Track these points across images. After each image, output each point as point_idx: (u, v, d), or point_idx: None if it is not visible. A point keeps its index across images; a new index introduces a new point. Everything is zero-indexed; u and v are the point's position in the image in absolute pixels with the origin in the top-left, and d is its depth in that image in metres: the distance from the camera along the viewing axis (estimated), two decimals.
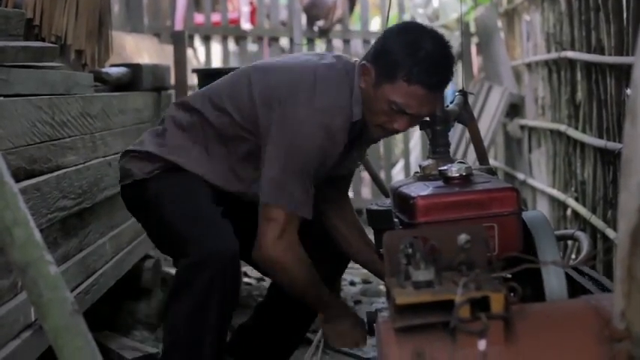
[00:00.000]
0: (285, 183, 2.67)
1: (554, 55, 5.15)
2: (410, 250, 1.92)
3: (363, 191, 8.09)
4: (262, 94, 2.77)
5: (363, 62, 2.72)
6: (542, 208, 5.66)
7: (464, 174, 2.38)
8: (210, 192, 2.83)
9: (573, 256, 4.45)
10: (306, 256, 2.75)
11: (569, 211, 4.86)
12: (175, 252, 2.81)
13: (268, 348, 3.16)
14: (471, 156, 6.20)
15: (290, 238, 2.70)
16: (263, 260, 2.73)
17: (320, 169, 2.74)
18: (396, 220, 2.52)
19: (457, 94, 2.95)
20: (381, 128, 2.75)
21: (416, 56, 2.62)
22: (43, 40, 3.47)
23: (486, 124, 6.59)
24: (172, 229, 2.74)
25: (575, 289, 2.52)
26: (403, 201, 2.40)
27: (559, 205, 5.15)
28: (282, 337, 3.16)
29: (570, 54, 4.69)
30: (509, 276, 1.97)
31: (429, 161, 2.60)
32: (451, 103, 2.90)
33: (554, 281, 2.25)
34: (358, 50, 9.45)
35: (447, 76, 2.69)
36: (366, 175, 7.38)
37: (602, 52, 4.08)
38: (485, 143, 6.36)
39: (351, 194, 7.90)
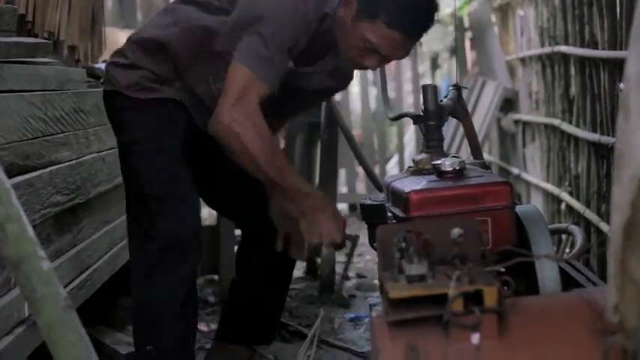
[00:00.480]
0: (257, 44, 2.61)
1: (547, 49, 5.15)
2: (403, 244, 1.91)
3: (357, 187, 8.09)
4: None
5: None
6: (537, 202, 5.66)
7: (457, 168, 2.37)
8: (184, 131, 2.87)
9: (567, 250, 4.46)
10: (265, 127, 2.62)
11: (563, 205, 4.87)
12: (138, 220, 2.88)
13: (254, 319, 3.19)
14: (465, 150, 6.21)
15: (250, 104, 2.59)
16: (218, 127, 2.63)
17: (292, 46, 2.68)
18: (389, 214, 2.51)
19: (451, 88, 2.95)
20: (352, 62, 2.81)
21: (401, 2, 2.61)
22: (36, 36, 3.47)
23: (480, 119, 6.60)
24: (141, 202, 2.82)
25: (568, 283, 2.52)
26: (396, 195, 2.40)
27: (553, 200, 5.15)
28: (263, 303, 3.18)
29: (564, 48, 4.69)
30: (503, 270, 1.97)
31: (423, 155, 2.59)
32: (445, 97, 2.90)
33: (547, 275, 2.26)
34: None
35: (427, 25, 2.72)
36: (360, 170, 7.37)
37: (595, 46, 4.08)
38: (480, 138, 6.36)
39: (345, 190, 7.93)
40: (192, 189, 2.85)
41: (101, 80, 3.04)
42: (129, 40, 2.97)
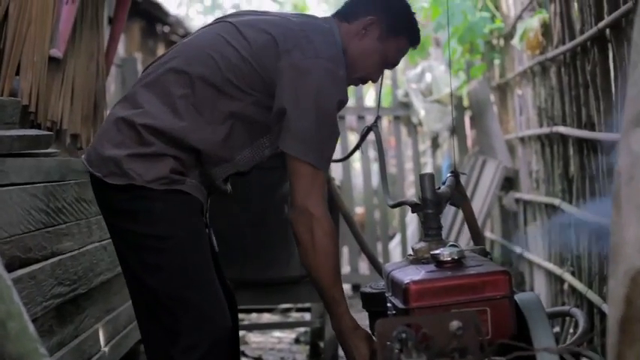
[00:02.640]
0: (310, 135, 2.68)
1: (546, 129, 5.19)
2: (403, 337, 1.92)
3: (360, 266, 8.08)
4: (256, 49, 2.76)
5: (371, 17, 2.88)
6: (539, 281, 5.66)
7: (456, 257, 2.39)
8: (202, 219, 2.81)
9: (571, 330, 4.44)
10: (332, 224, 2.74)
11: (566, 285, 4.86)
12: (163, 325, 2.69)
13: None
14: (465, 236, 6.23)
15: (320, 195, 2.72)
16: (299, 213, 2.69)
17: (337, 135, 2.81)
18: (389, 304, 2.52)
19: (449, 175, 2.97)
20: (359, 80, 2.99)
21: (413, 20, 2.98)
22: (39, 125, 3.51)
23: (482, 198, 6.62)
24: (164, 302, 2.67)
25: None
26: (396, 285, 2.41)
27: (556, 279, 5.14)
28: None
29: (562, 129, 4.74)
30: None
31: (422, 244, 2.61)
32: (443, 184, 2.92)
33: None
34: (353, 125, 9.54)
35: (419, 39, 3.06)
36: None
37: (592, 127, 4.12)
38: (482, 217, 6.40)
39: (347, 269, 7.93)
40: (219, 287, 2.75)
41: (96, 173, 2.71)
42: (133, 124, 2.69)
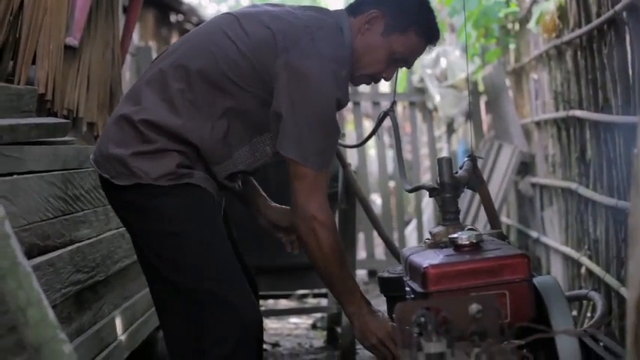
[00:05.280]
0: (309, 139, 2.63)
1: (562, 113, 5.17)
2: (422, 321, 1.92)
3: (376, 252, 8.08)
4: (254, 43, 2.70)
5: (373, 10, 2.79)
6: (556, 266, 5.64)
7: (474, 241, 2.39)
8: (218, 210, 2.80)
9: (589, 314, 4.43)
10: (334, 223, 2.73)
11: (583, 270, 4.85)
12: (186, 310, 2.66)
13: None
14: (482, 219, 6.22)
15: (322, 195, 2.68)
16: (302, 219, 2.67)
17: (338, 135, 2.77)
18: (407, 288, 2.52)
19: (466, 159, 2.96)
20: (368, 78, 2.89)
21: (428, 11, 2.86)
22: (55, 114, 3.52)
23: (498, 183, 6.61)
24: (191, 298, 2.64)
25: (589, 354, 2.51)
26: (414, 269, 2.41)
27: (573, 264, 5.13)
28: None
29: (578, 113, 4.72)
30: (523, 343, 1.97)
31: (440, 228, 2.61)
32: (460, 168, 2.92)
33: (567, 349, 2.25)
34: (368, 111, 9.52)
35: (440, 35, 2.92)
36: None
37: (609, 110, 4.10)
38: (498, 201, 6.38)
39: (364, 255, 7.93)
40: (243, 276, 2.73)
41: (104, 174, 2.69)
42: (132, 121, 2.67)
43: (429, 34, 2.86)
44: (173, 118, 2.66)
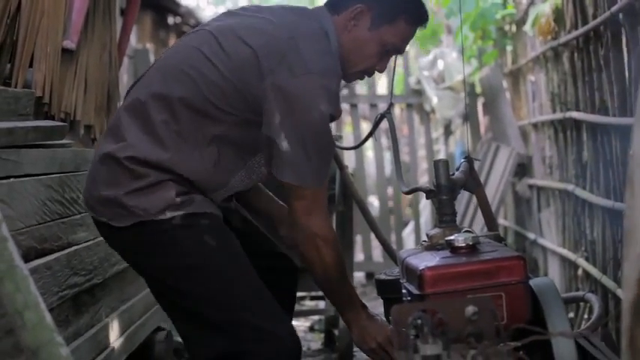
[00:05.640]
0: (304, 160, 2.55)
1: (559, 115, 5.18)
2: (418, 323, 1.93)
3: (374, 254, 8.09)
4: (236, 64, 2.59)
5: (358, 5, 2.71)
6: (554, 267, 5.65)
7: (470, 243, 2.39)
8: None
9: (586, 316, 4.44)
10: (336, 236, 2.70)
11: (580, 271, 4.85)
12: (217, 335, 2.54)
13: None
14: (479, 222, 6.22)
15: (322, 211, 2.63)
16: (305, 238, 2.62)
17: (332, 147, 2.70)
18: (404, 290, 2.52)
19: (462, 160, 2.97)
20: (361, 73, 2.83)
21: None
22: (53, 117, 3.53)
23: (495, 184, 6.62)
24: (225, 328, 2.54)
25: (585, 355, 2.51)
26: (411, 271, 2.42)
27: (570, 265, 5.14)
28: None
29: (575, 114, 4.72)
30: (519, 345, 1.97)
31: (436, 230, 2.62)
32: (457, 170, 2.92)
33: (564, 351, 2.25)
34: (366, 113, 9.53)
35: (427, 17, 2.84)
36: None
37: (606, 112, 4.11)
38: (495, 203, 6.39)
39: (361, 257, 7.93)
40: (267, 292, 2.62)
41: (100, 218, 2.59)
42: (118, 160, 2.55)
43: (420, 18, 2.80)
44: (159, 151, 2.54)
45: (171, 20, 11.06)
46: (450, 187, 2.69)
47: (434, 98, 7.75)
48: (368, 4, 2.72)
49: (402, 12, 2.74)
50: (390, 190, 8.29)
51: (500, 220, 7.42)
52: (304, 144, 2.54)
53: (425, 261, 2.37)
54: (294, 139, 2.53)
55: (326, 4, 2.79)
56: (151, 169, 2.53)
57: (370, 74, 2.87)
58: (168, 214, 2.52)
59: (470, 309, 1.93)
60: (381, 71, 2.85)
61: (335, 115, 2.61)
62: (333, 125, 5.33)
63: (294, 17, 2.72)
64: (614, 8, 3.70)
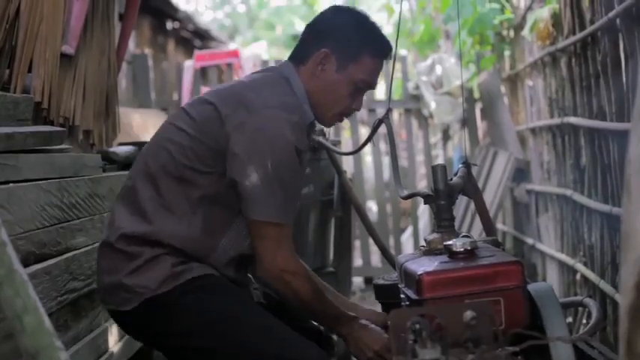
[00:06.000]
0: (268, 194, 2.55)
1: (557, 120, 5.19)
2: (417, 328, 1.93)
3: (372, 259, 8.09)
4: (201, 123, 2.66)
5: (322, 50, 2.74)
6: (552, 272, 5.66)
7: (469, 248, 2.40)
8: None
9: (584, 321, 4.44)
10: (306, 269, 2.69)
11: (578, 276, 4.86)
12: None
13: None
14: (477, 227, 6.23)
15: (287, 248, 2.62)
16: (273, 277, 2.62)
17: (300, 181, 2.70)
18: (402, 295, 2.53)
19: (460, 165, 2.98)
20: (339, 115, 2.84)
21: (372, 31, 2.80)
22: (52, 122, 3.53)
23: (493, 189, 6.62)
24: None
25: (584, 358, 2.52)
26: (409, 276, 2.42)
27: (568, 270, 5.14)
28: None
29: (573, 120, 4.73)
30: (517, 350, 1.98)
31: (434, 235, 2.62)
32: (455, 175, 2.93)
33: (562, 356, 2.26)
34: (364, 118, 9.53)
35: (390, 48, 2.85)
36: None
37: (603, 117, 4.11)
38: (493, 208, 6.39)
39: (360, 262, 7.93)
40: (286, 328, 2.65)
41: (110, 307, 2.67)
42: (112, 245, 2.64)
43: (382, 49, 2.82)
44: (146, 225, 2.61)
45: (169, 25, 11.07)
46: (448, 192, 2.69)
47: (432, 103, 7.75)
48: (330, 47, 2.75)
49: (364, 48, 2.76)
50: (388, 195, 8.29)
51: (499, 225, 7.43)
52: (267, 178, 2.56)
53: (423, 266, 2.37)
54: (257, 173, 2.56)
55: (290, 58, 2.85)
56: (143, 245, 2.59)
57: (348, 114, 2.88)
58: (170, 286, 2.57)
59: (468, 314, 1.94)
60: (357, 109, 2.87)
61: (301, 148, 2.62)
62: (332, 130, 5.35)
63: (258, 74, 2.84)
64: (611, 14, 3.71)
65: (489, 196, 6.49)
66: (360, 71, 2.76)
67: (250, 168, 2.55)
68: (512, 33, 6.93)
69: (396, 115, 9.77)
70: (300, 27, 20.87)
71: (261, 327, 2.60)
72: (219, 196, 2.63)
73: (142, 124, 6.15)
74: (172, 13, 10.60)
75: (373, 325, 2.77)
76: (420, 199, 2.79)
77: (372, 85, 2.83)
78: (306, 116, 2.74)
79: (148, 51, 9.14)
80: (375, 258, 8.18)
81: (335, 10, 2.88)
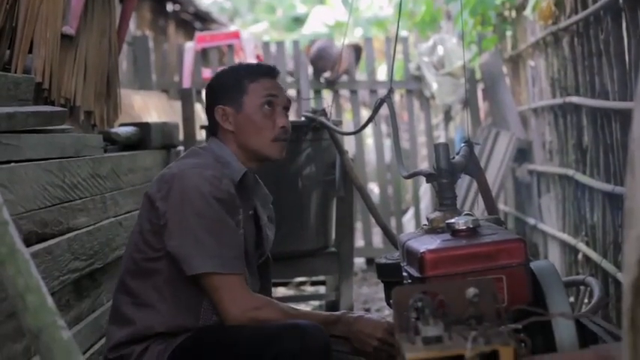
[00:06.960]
0: (197, 247, 2.61)
1: (559, 100, 5.18)
2: (419, 305, 1.93)
3: (374, 240, 8.09)
4: (141, 216, 2.76)
5: (216, 108, 2.86)
6: (554, 252, 5.66)
7: (471, 226, 2.39)
8: None
9: (586, 300, 4.45)
10: (269, 302, 2.71)
11: (580, 256, 4.86)
12: None
13: None
14: (480, 206, 6.22)
15: (241, 289, 2.64)
16: (241, 321, 2.63)
17: (234, 231, 2.70)
18: (405, 273, 2.53)
19: (463, 145, 2.97)
20: (275, 140, 2.85)
21: (245, 67, 2.95)
22: (53, 102, 3.53)
23: (495, 170, 6.61)
24: None
25: (586, 336, 2.52)
26: (411, 255, 2.42)
27: (570, 250, 5.15)
28: None
29: (575, 99, 4.72)
30: (520, 327, 1.98)
31: (437, 214, 2.61)
32: (457, 154, 2.92)
33: (564, 332, 2.26)
34: (366, 99, 9.52)
35: (269, 66, 2.97)
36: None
37: (606, 96, 4.11)
38: (495, 189, 6.39)
39: (362, 243, 7.94)
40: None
41: None
42: (107, 358, 2.74)
43: (260, 70, 2.92)
44: (130, 328, 2.68)
45: (170, 7, 11.04)
46: (450, 171, 2.68)
47: (434, 84, 7.74)
48: (220, 102, 2.87)
49: (243, 80, 2.87)
50: (389, 177, 8.29)
51: (501, 206, 7.42)
52: (190, 231, 2.61)
53: (425, 244, 2.36)
54: (179, 230, 2.62)
55: (208, 135, 3.02)
56: (132, 345, 2.66)
57: (284, 134, 2.88)
58: (166, 358, 2.62)
59: (471, 291, 1.94)
60: (287, 124, 2.88)
61: (222, 199, 2.66)
62: (333, 109, 5.34)
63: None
64: None
65: (491, 177, 6.48)
66: (255, 96, 2.85)
67: (174, 228, 2.63)
68: (514, 13, 6.90)
69: (397, 97, 9.76)
70: (300, 9, 20.85)
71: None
72: (180, 272, 2.66)
73: (144, 106, 6.14)
74: None
75: (367, 314, 2.77)
76: (422, 179, 2.79)
77: (280, 99, 2.89)
78: (233, 171, 2.80)
79: (148, 33, 9.12)
80: (377, 239, 8.18)
81: (213, 77, 2.99)
